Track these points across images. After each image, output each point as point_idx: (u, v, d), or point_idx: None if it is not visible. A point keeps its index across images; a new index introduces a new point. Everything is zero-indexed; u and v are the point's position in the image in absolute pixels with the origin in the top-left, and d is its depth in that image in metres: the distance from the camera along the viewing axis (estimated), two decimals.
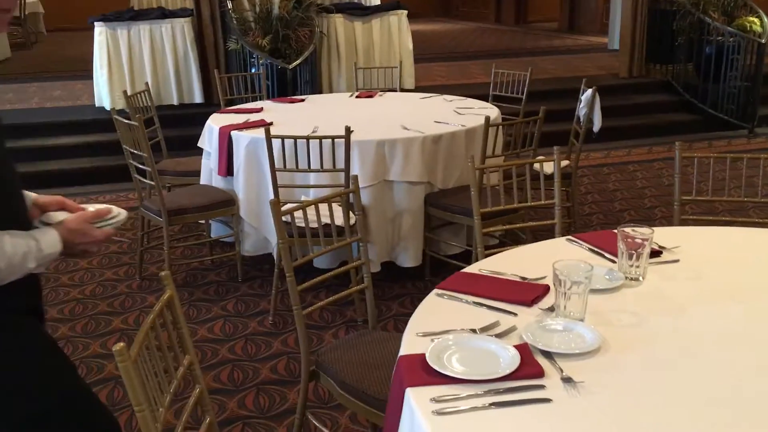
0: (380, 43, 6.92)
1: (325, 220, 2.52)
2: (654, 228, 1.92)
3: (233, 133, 3.78)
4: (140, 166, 3.69)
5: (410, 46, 7.06)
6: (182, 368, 1.56)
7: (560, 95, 6.68)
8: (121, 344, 1.26)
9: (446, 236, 3.88)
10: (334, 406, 2.75)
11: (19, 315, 1.52)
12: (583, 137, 4.05)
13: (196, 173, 4.22)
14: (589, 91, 4.07)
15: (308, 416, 2.42)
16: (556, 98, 6.44)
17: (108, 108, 6.20)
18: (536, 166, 2.93)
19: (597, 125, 4.15)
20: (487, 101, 4.70)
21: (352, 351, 2.20)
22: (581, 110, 4.11)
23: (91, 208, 1.66)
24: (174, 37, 6.39)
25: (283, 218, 3.21)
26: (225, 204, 3.76)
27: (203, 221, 4.22)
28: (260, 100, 4.97)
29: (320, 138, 3.24)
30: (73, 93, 7.69)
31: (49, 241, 1.53)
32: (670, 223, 3.73)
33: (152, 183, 3.62)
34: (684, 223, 2.81)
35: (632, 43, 7.75)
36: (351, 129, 3.31)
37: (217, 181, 3.95)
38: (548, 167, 4.03)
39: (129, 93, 4.53)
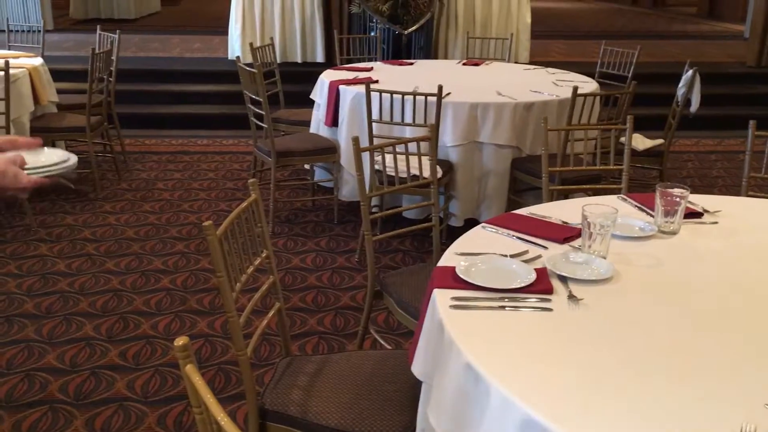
0: (498, 15, 7.06)
1: (414, 171, 2.82)
2: (701, 195, 2.08)
3: (341, 87, 4.12)
4: (258, 111, 4.11)
5: (528, 20, 7.16)
6: (259, 258, 1.91)
7: (672, 79, 6.58)
8: (209, 222, 1.61)
9: (529, 200, 4.07)
10: (402, 333, 3.06)
11: None
12: (679, 117, 4.10)
13: (308, 123, 4.62)
14: (690, 72, 4.11)
15: (373, 333, 2.75)
16: (668, 82, 6.36)
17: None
18: (624, 140, 3.09)
19: (694, 106, 4.18)
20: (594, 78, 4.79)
21: (413, 277, 2.50)
22: (680, 90, 4.16)
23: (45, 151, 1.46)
24: None
25: (376, 166, 3.55)
26: (328, 151, 4.13)
27: (308, 167, 4.62)
28: (374, 61, 5.30)
29: (414, 95, 3.52)
30: (211, 46, 8.35)
31: None
32: None
33: (266, 126, 4.04)
34: None
35: (764, 31, 7.48)
36: (444, 89, 3.56)
37: (324, 131, 4.33)
38: (639, 143, 4.14)
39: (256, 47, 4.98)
